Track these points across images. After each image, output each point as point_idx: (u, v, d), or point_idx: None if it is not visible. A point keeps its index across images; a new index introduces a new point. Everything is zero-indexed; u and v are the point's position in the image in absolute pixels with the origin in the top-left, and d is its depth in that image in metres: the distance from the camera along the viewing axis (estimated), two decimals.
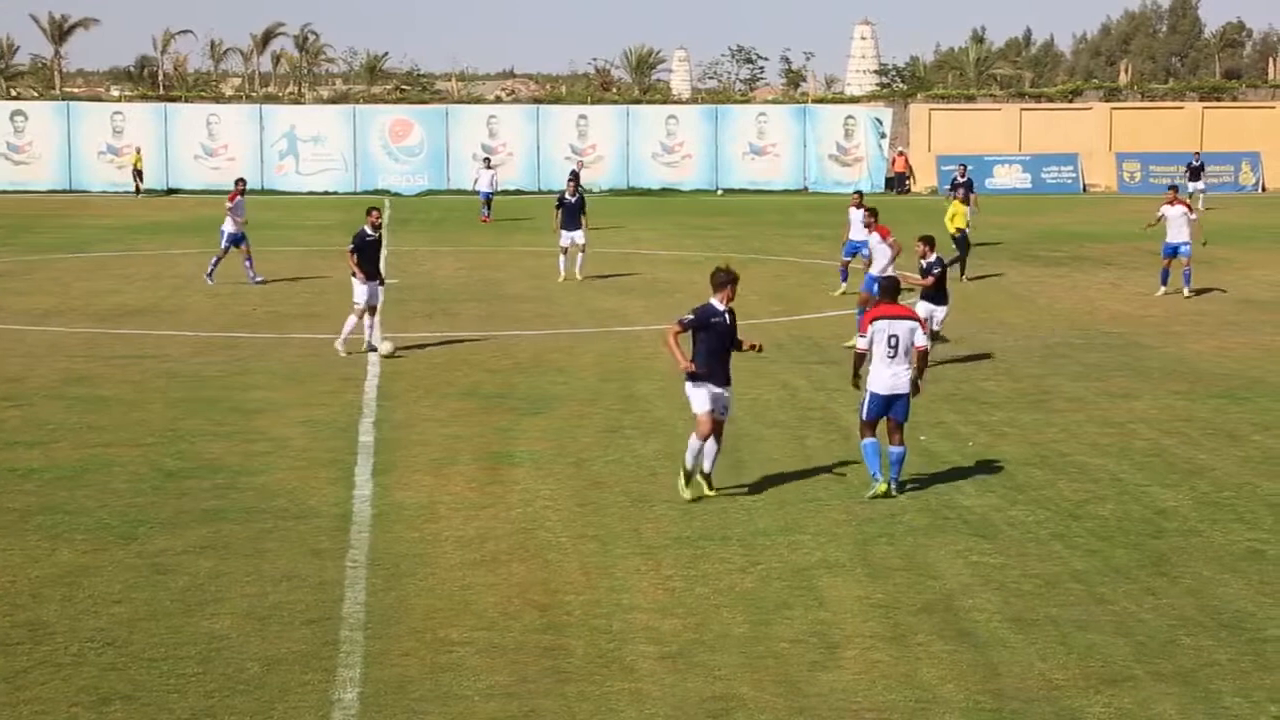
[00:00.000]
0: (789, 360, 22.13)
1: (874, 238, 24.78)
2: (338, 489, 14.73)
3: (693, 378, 14.21)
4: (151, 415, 18.24)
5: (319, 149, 61.62)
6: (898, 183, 62.77)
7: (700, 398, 14.22)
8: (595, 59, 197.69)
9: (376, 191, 60.45)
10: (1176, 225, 28.52)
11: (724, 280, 14.16)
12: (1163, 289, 29.11)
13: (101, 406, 18.69)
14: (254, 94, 76.26)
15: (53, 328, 25.38)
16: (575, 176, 34.90)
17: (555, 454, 16.29)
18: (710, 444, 14.35)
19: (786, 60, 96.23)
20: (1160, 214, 29.33)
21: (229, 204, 31.70)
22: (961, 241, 32.06)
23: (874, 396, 14.57)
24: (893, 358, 14.48)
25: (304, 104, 68.81)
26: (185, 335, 24.59)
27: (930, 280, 21.42)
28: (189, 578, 11.97)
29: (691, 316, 14.18)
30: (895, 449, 14.62)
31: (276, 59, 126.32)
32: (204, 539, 13.02)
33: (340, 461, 15.86)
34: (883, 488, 14.37)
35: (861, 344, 14.75)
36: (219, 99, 71.11)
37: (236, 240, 31.46)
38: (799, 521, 13.63)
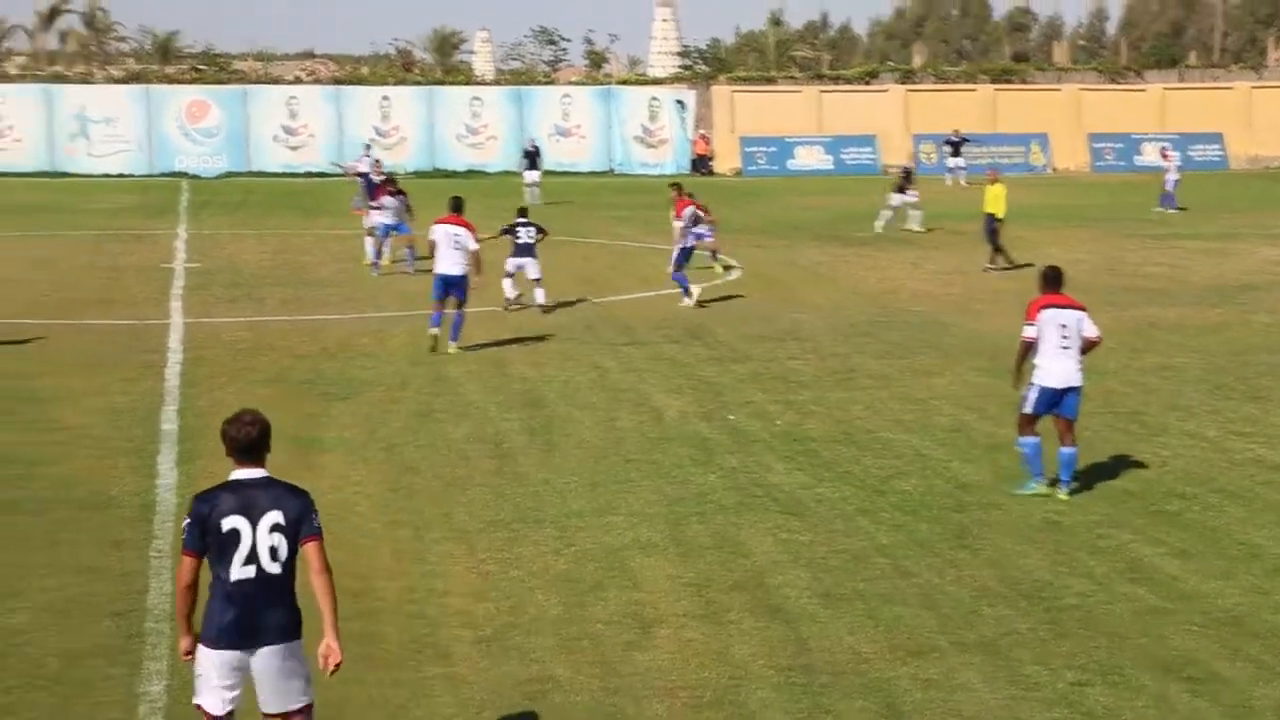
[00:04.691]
0: (599, 342, 22.19)
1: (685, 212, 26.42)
2: (139, 478, 14.35)
3: None
4: None
5: (111, 130, 59.86)
6: (701, 164, 63.30)
7: None
8: (397, 39, 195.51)
9: (174, 174, 58.99)
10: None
11: None
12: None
13: None
14: (41, 73, 73.69)
15: None
16: (377, 171, 34.72)
17: (365, 439, 16.10)
18: None
19: (589, 42, 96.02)
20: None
21: (373, 203, 30.38)
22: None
23: (1046, 390, 13.75)
24: (1066, 349, 13.75)
25: (95, 83, 66.68)
26: None
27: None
28: None
29: None
30: (1067, 450, 13.87)
31: (64, 36, 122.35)
32: None
33: (142, 450, 15.46)
34: (1043, 489, 13.80)
35: (1029, 332, 13.80)
36: (3, 78, 68.62)
37: (391, 228, 30.05)
38: (612, 503, 13.69)
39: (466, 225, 21.33)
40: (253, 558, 7.39)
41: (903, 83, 68.39)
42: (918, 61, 77.44)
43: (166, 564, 11.72)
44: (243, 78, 70.42)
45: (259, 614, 7.37)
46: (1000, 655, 10.09)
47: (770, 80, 69.43)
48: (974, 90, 67.09)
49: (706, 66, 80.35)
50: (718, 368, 20.28)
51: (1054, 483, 13.98)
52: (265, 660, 7.41)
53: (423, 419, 17.10)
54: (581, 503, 13.69)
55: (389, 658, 9.97)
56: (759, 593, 11.31)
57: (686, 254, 26.26)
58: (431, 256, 21.65)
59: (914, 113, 65.54)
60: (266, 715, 7.55)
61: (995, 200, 31.06)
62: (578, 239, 37.16)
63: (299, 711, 7.55)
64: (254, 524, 7.43)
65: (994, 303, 26.57)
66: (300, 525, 7.51)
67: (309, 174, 58.78)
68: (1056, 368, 13.77)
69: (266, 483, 7.58)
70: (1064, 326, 13.78)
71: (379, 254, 30.07)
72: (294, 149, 60.96)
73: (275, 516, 7.47)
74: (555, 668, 9.83)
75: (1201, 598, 11.25)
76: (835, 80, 69.73)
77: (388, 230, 29.98)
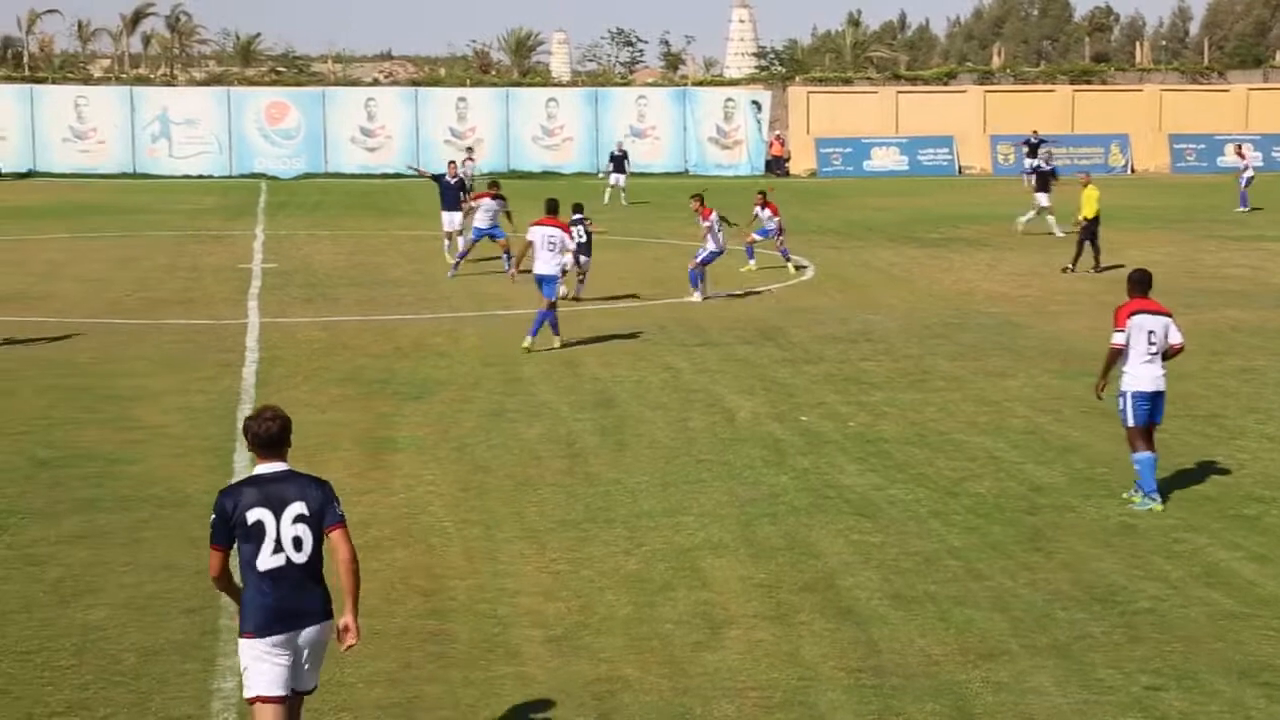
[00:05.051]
0: (671, 343, 22.20)
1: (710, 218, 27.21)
2: (216, 476, 14.48)
3: None
4: (22, 403, 17.86)
5: (193, 131, 60.62)
6: (776, 165, 63.18)
7: None
8: (474, 41, 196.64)
9: (253, 175, 59.66)
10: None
11: None
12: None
13: None
14: (124, 75, 74.74)
15: None
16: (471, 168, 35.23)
17: (438, 439, 16.19)
18: None
19: (666, 43, 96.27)
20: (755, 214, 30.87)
21: (472, 203, 30.18)
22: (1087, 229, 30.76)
23: (1140, 396, 13.46)
24: (1153, 355, 13.48)
25: (177, 85, 67.56)
26: (55, 321, 24.08)
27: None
28: (63, 568, 11.75)
29: None
30: (1152, 455, 13.60)
31: (147, 40, 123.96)
32: (78, 529, 12.79)
33: (219, 449, 15.64)
34: (1158, 508, 13.41)
35: (1119, 339, 13.50)
36: (88, 80, 69.64)
37: (485, 233, 29.76)
38: (682, 503, 13.69)
39: (562, 227, 21.89)
40: (279, 548, 7.63)
41: (981, 84, 67.92)
42: (996, 62, 76.87)
43: None
44: (321, 79, 71.07)
45: (296, 599, 7.65)
46: (1073, 659, 9.99)
47: (847, 81, 69.15)
48: (1053, 91, 66.52)
49: (783, 67, 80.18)
50: (790, 369, 20.23)
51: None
52: (307, 640, 7.70)
53: (495, 419, 17.18)
54: (652, 503, 13.70)
55: (460, 656, 10.01)
56: (830, 594, 11.28)
57: (712, 258, 27.00)
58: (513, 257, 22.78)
59: (992, 114, 65.09)
60: (294, 691, 7.76)
61: (1088, 202, 30.80)
62: (650, 240, 37.22)
63: (311, 690, 7.88)
64: (278, 515, 7.65)
65: (1070, 304, 26.35)
66: (324, 514, 7.74)
67: (385, 175, 59.22)
68: (1145, 373, 13.55)
69: (288, 475, 7.78)
70: (1152, 333, 13.54)
71: (464, 255, 30.06)
72: (371, 150, 61.50)
73: (299, 508, 7.68)
74: (624, 668, 9.84)
75: (1279, 602, 11.09)
76: (912, 81, 69.36)
77: (480, 235, 29.88)
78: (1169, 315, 13.77)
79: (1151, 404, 13.57)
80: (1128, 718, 9.11)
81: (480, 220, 29.65)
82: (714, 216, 26.79)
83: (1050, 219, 37.65)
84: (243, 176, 59.38)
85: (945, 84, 68.31)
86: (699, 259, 27.00)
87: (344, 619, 7.77)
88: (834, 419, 17.20)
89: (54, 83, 64.95)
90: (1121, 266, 29.40)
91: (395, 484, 14.35)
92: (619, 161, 50.83)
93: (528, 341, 21.35)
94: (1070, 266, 30.68)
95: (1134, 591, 11.32)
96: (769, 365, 20.52)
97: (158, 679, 9.57)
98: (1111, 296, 27.13)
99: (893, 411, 17.60)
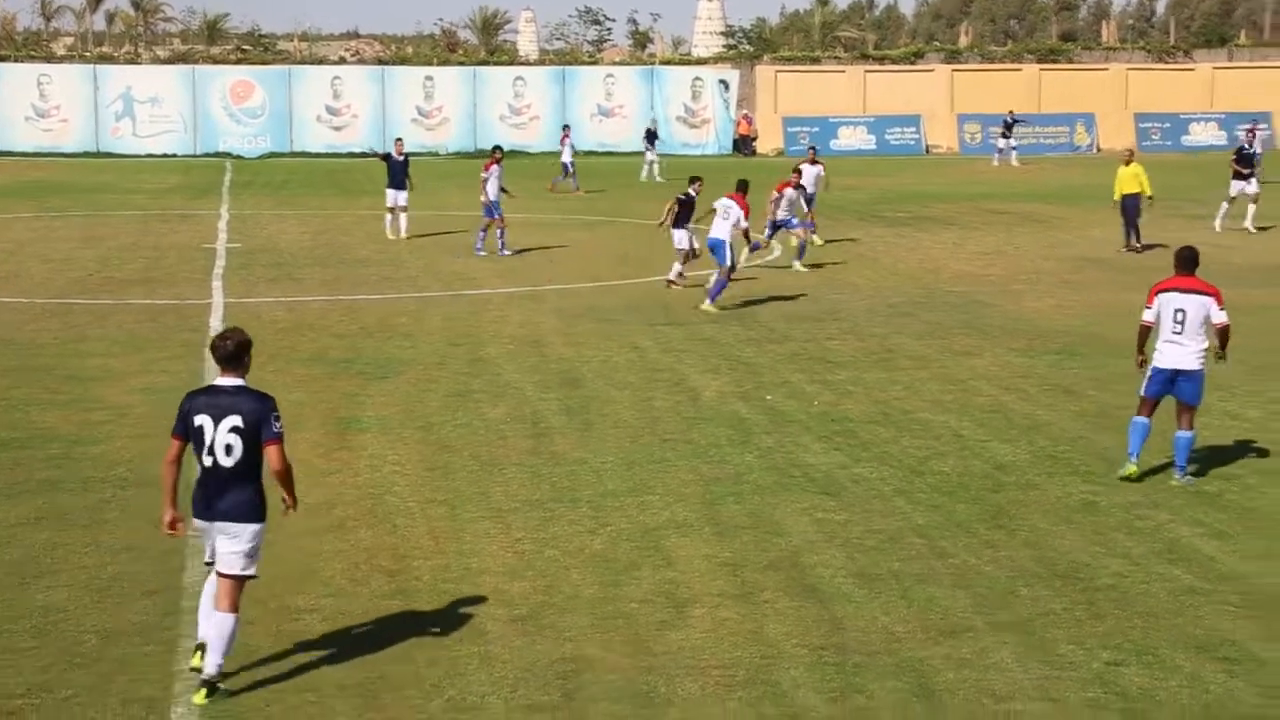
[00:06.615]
0: (637, 322, 22.19)
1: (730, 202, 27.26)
2: None
3: None
4: None
5: (157, 110, 60.22)
6: (744, 145, 63.16)
7: None
8: (441, 20, 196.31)
9: (218, 154, 59.30)
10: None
11: None
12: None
13: None
14: (88, 53, 74.20)
15: None
16: (399, 140, 35.46)
17: (403, 419, 16.16)
18: None
19: (634, 22, 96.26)
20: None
21: (484, 173, 29.79)
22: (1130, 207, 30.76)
23: (1158, 371, 13.65)
24: (1178, 333, 13.54)
25: (141, 64, 67.05)
26: (18, 302, 23.93)
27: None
28: (23, 550, 11.68)
29: None
30: (1181, 434, 13.68)
31: (111, 17, 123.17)
32: (39, 510, 12.72)
33: None
34: (1133, 470, 13.59)
35: (1147, 316, 13.69)
36: (50, 58, 69.07)
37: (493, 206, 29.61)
38: (647, 482, 13.69)
39: (737, 200, 23.31)
40: (211, 451, 8.91)
41: (948, 63, 68.00)
42: (964, 41, 76.98)
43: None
44: (287, 58, 70.66)
45: (217, 496, 8.97)
46: (1035, 635, 10.04)
47: (815, 60, 69.15)
48: (1019, 70, 66.65)
49: (751, 46, 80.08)
50: (756, 348, 20.25)
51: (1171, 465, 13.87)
52: (219, 532, 9.05)
53: (460, 399, 17.15)
54: (617, 482, 13.70)
55: (424, 636, 10.00)
56: (793, 572, 11.31)
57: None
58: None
59: (959, 93, 65.20)
60: (213, 568, 9.20)
61: (1130, 180, 30.98)
62: (617, 219, 37.19)
63: (238, 578, 9.09)
64: (216, 423, 8.91)
65: (1035, 284, 26.44)
66: (260, 429, 8.93)
67: (351, 154, 58.97)
68: (1167, 350, 13.66)
69: (237, 390, 9.02)
70: (1180, 311, 13.56)
71: (486, 231, 29.98)
72: (337, 129, 61.23)
73: (234, 420, 8.90)
74: (589, 647, 9.85)
75: (1239, 578, 11.17)
76: (880, 60, 69.39)
77: (491, 212, 29.76)
78: (1210, 294, 13.64)
79: (1171, 382, 13.67)
80: (1089, 693, 9.16)
81: (491, 191, 29.54)
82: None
83: (1252, 208, 34.78)
84: (207, 155, 59.03)
85: (913, 63, 68.36)
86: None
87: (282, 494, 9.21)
88: (799, 398, 17.23)
89: (16, 60, 64.39)
90: (1142, 249, 29.47)
91: (360, 464, 14.31)
92: (651, 137, 51.38)
93: (705, 305, 23.04)
94: (1134, 245, 30.58)
95: (1096, 568, 11.38)
96: (734, 344, 20.53)
97: (119, 661, 9.53)
98: (1077, 276, 27.30)
99: (858, 390, 17.64)
